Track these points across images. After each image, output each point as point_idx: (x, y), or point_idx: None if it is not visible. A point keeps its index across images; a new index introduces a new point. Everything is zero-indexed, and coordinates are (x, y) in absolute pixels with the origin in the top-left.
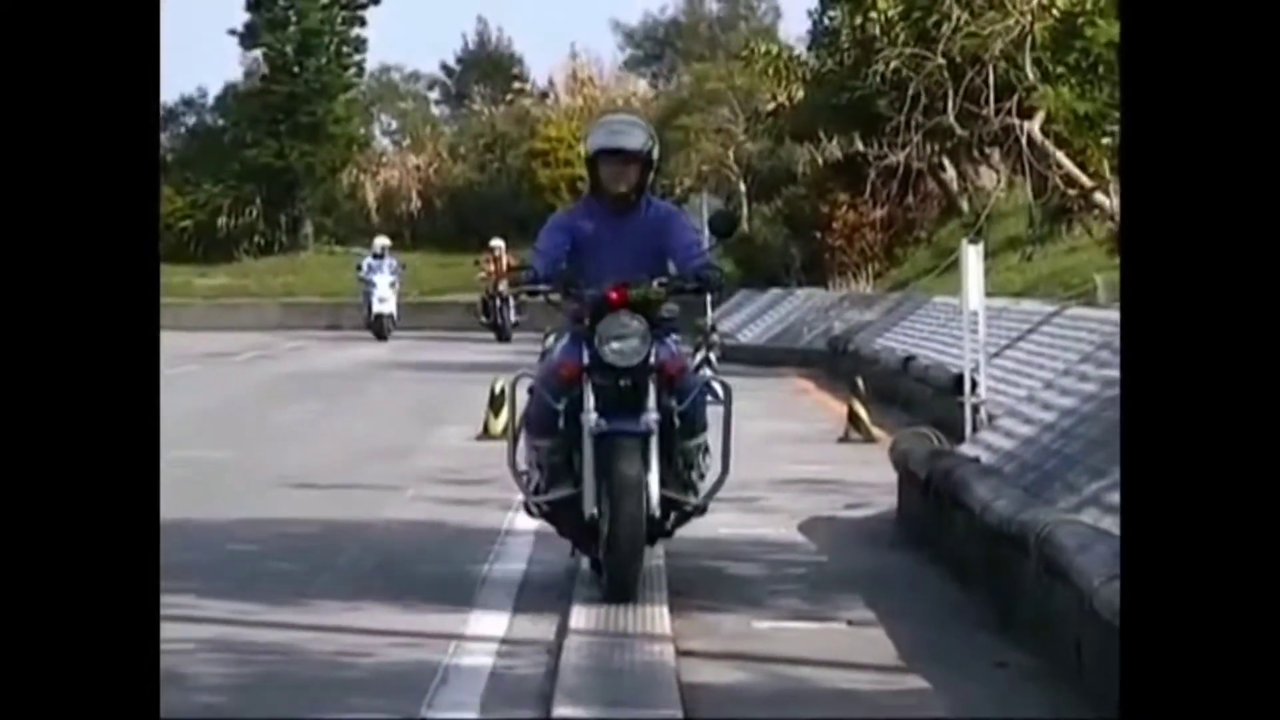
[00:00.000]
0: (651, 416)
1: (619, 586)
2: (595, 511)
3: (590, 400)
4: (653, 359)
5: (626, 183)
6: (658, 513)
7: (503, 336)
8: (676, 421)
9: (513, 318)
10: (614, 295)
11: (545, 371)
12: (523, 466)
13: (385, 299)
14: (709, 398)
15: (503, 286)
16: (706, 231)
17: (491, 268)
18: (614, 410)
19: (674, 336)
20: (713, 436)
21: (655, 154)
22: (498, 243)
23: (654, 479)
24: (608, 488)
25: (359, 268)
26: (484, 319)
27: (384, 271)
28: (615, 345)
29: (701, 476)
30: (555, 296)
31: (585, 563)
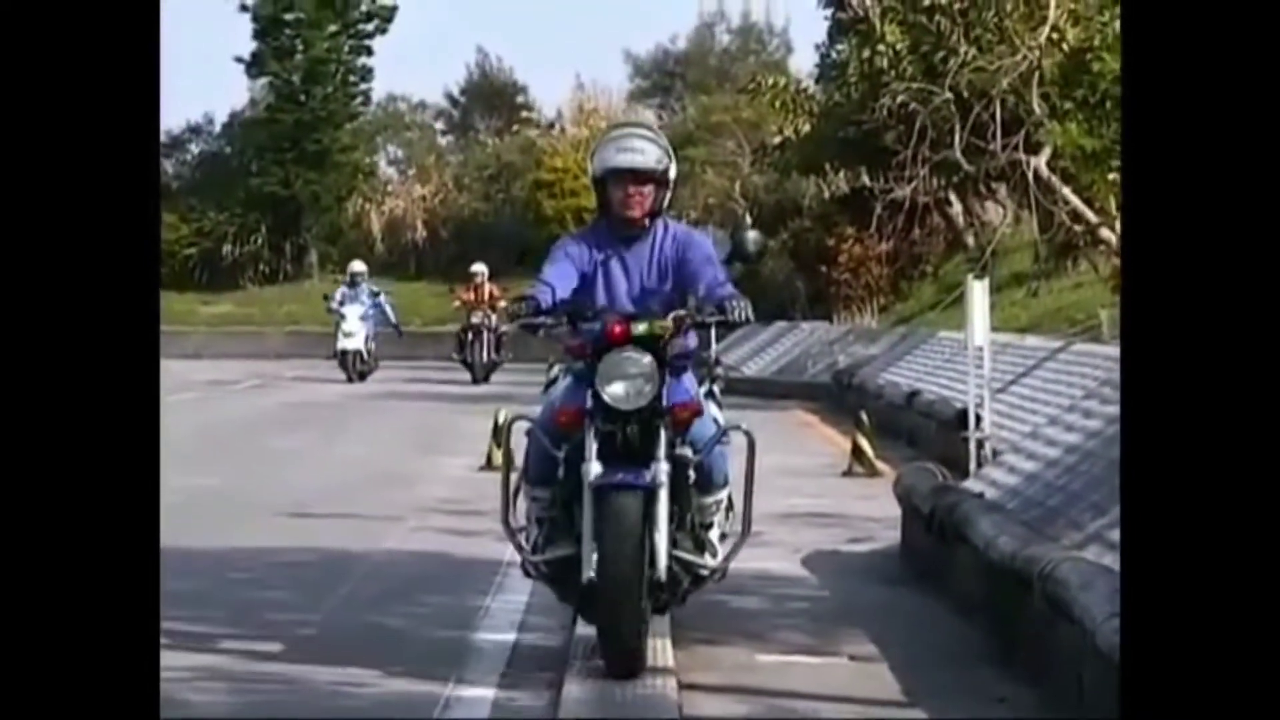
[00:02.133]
0: (661, 467)
1: (617, 662)
2: (593, 575)
3: (592, 448)
4: (664, 401)
5: (639, 206)
6: (664, 577)
7: (476, 376)
8: (691, 474)
9: (488, 355)
10: (616, 330)
11: (545, 415)
12: (521, 521)
13: (352, 333)
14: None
15: (476, 318)
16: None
17: (470, 296)
18: (619, 459)
19: (688, 375)
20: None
21: (672, 172)
22: (479, 268)
23: (662, 539)
24: (606, 548)
25: (326, 298)
26: (456, 355)
27: (357, 302)
28: (618, 386)
29: (723, 536)
30: (559, 331)
31: (585, 628)
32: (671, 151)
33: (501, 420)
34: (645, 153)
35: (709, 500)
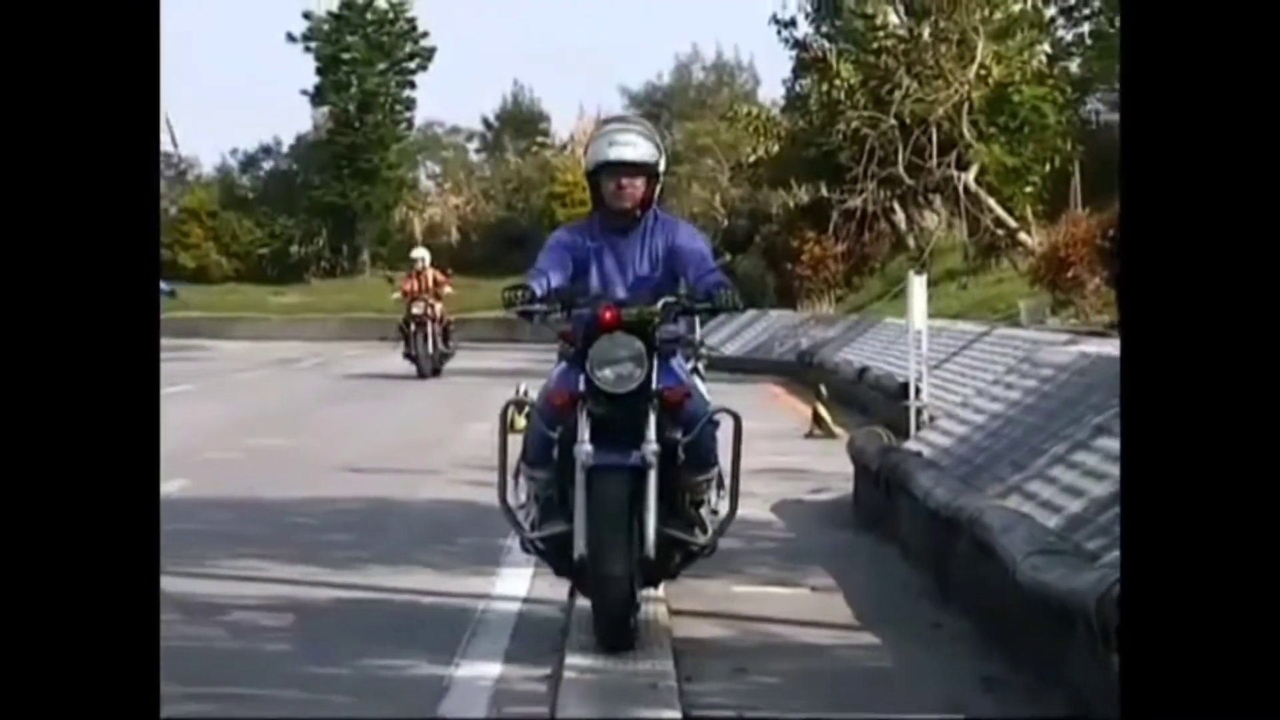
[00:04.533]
0: (650, 448)
1: (607, 634)
2: (585, 552)
3: (585, 430)
4: (653, 385)
5: (629, 198)
6: (653, 554)
7: (423, 370)
8: (681, 454)
9: (434, 347)
10: (607, 316)
11: (541, 398)
12: (521, 499)
13: None
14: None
15: (417, 309)
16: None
17: (411, 285)
18: (610, 441)
19: (677, 359)
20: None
21: (663, 165)
22: (420, 253)
23: (651, 517)
24: (594, 526)
25: None
26: (403, 351)
27: None
28: (608, 370)
29: (714, 512)
30: (554, 318)
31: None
32: (662, 145)
33: (521, 392)
34: (637, 147)
35: (699, 479)
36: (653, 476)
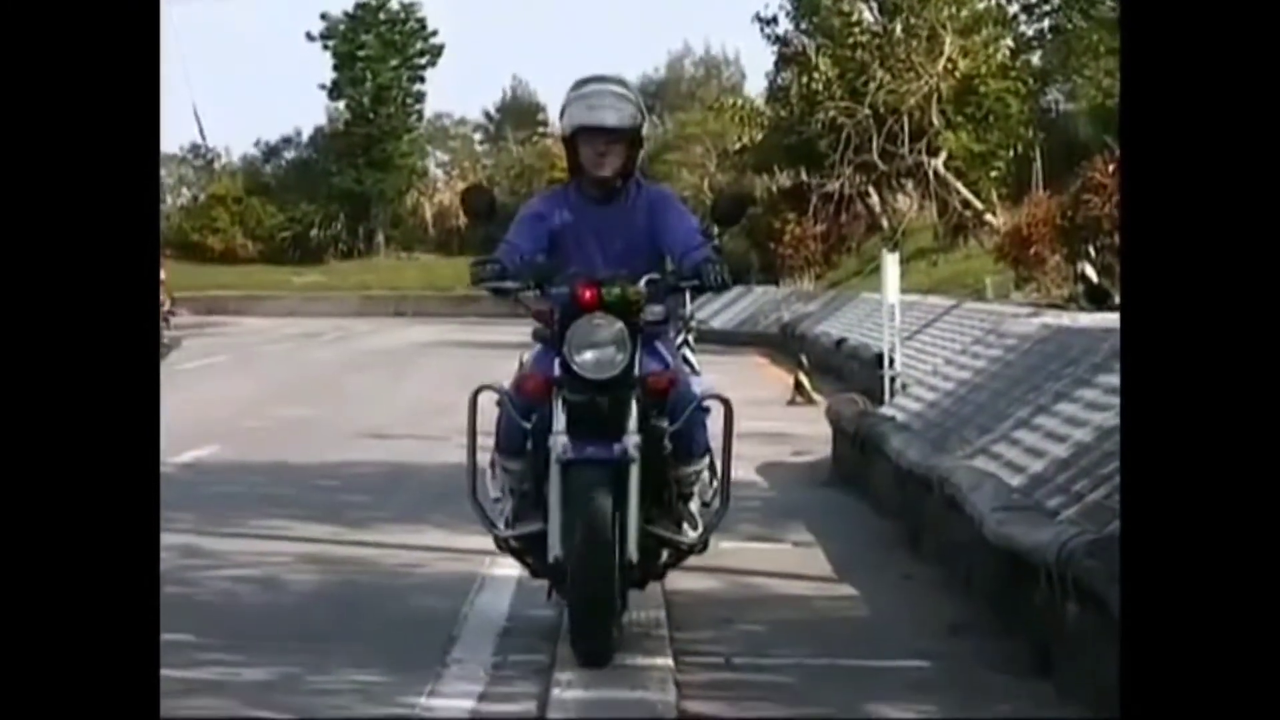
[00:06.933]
0: (632, 441)
1: (585, 647)
2: (560, 553)
3: (560, 420)
4: (636, 371)
5: (610, 166)
6: (635, 557)
7: None
8: (667, 445)
9: None
10: (586, 294)
11: (514, 383)
12: (495, 493)
13: None
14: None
15: None
16: (699, 223)
17: None
18: (588, 432)
19: (673, 340)
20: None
21: (645, 129)
22: None
23: (633, 516)
24: (572, 527)
25: None
26: None
27: None
28: (589, 354)
29: (705, 505)
30: (527, 295)
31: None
32: (643, 107)
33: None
34: (619, 110)
35: (688, 470)
36: (635, 472)
